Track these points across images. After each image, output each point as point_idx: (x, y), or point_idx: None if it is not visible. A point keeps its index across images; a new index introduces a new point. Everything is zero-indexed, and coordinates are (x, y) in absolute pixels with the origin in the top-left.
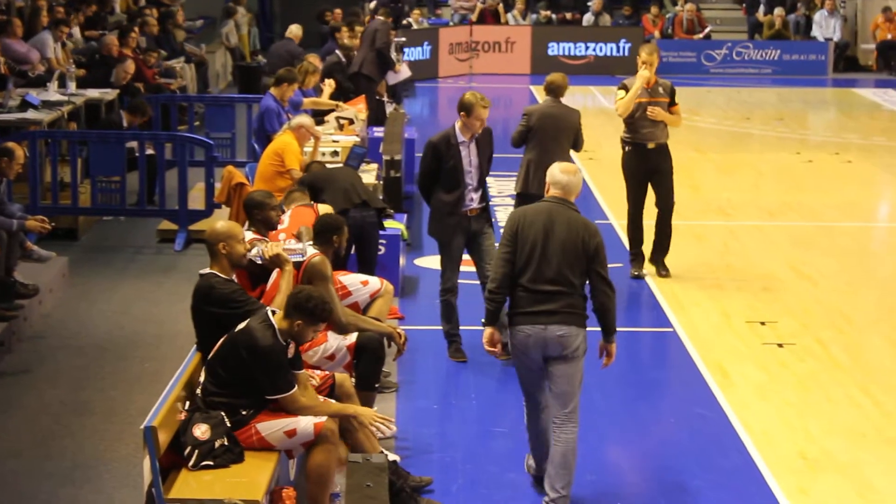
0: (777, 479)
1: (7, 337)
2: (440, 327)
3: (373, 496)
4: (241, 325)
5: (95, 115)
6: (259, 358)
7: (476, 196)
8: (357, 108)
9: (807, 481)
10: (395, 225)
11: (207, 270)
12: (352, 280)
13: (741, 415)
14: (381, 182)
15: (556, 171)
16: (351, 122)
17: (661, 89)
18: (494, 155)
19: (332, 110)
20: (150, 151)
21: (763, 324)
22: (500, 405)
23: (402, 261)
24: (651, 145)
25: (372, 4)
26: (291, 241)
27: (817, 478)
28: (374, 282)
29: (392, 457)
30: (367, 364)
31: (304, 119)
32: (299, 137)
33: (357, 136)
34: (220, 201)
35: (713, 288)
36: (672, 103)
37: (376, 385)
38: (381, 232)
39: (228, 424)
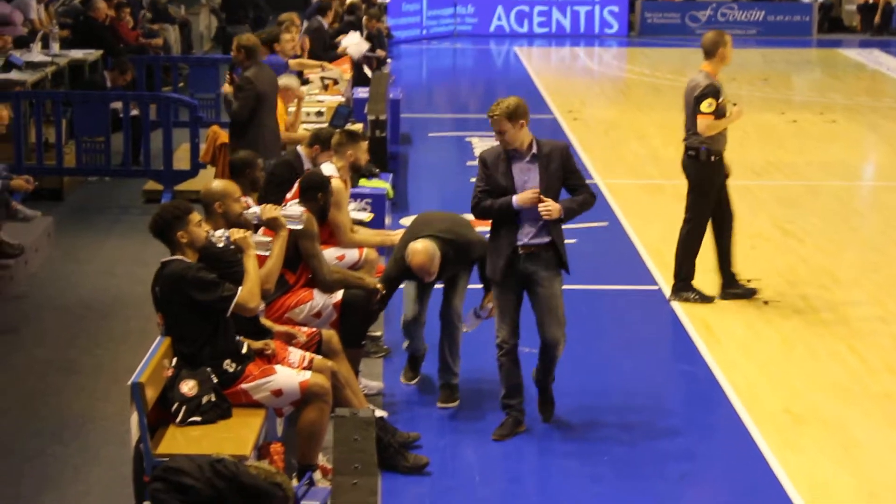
0: (763, 435)
1: None
2: None
3: (360, 450)
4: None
5: (79, 76)
6: (187, 284)
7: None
8: (342, 69)
9: (792, 436)
10: (380, 184)
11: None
12: (328, 255)
13: (727, 371)
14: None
15: None
16: (335, 82)
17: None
18: None
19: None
20: (134, 112)
21: (749, 281)
22: (489, 360)
23: (387, 220)
24: (725, 152)
25: None
26: (294, 205)
27: (802, 433)
28: (352, 254)
29: (379, 412)
30: (353, 321)
31: (290, 80)
32: (284, 98)
33: (342, 96)
34: (205, 161)
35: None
36: None
37: (362, 342)
38: (368, 190)
39: (215, 381)
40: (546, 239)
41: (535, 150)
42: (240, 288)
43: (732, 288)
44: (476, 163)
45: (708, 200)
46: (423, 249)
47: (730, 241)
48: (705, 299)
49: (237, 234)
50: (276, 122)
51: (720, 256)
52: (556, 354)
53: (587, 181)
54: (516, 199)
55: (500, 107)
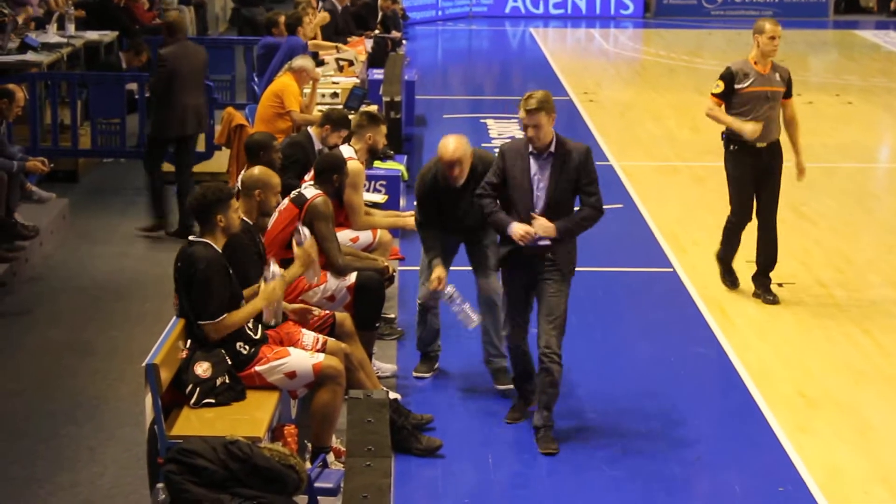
0: (776, 418)
1: (8, 278)
2: None
3: (374, 432)
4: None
5: (95, 58)
6: (195, 273)
7: None
8: (357, 50)
9: (806, 419)
10: (395, 166)
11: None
12: (342, 237)
13: (741, 354)
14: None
15: None
16: (351, 63)
17: (777, 76)
18: None
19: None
20: (149, 94)
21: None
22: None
23: (402, 201)
24: (762, 144)
25: None
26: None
27: (816, 416)
28: (366, 236)
29: (393, 395)
30: (367, 304)
31: (306, 61)
32: (299, 79)
33: (357, 77)
34: (220, 143)
35: (713, 228)
36: (787, 94)
37: (377, 325)
38: (383, 172)
39: (230, 363)
40: (547, 242)
41: (553, 148)
42: (225, 315)
43: (757, 288)
44: (492, 145)
45: (736, 191)
46: (455, 139)
47: (763, 241)
48: (732, 284)
49: (273, 285)
50: (199, 99)
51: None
52: (551, 370)
53: (602, 162)
54: (511, 229)
55: (537, 99)
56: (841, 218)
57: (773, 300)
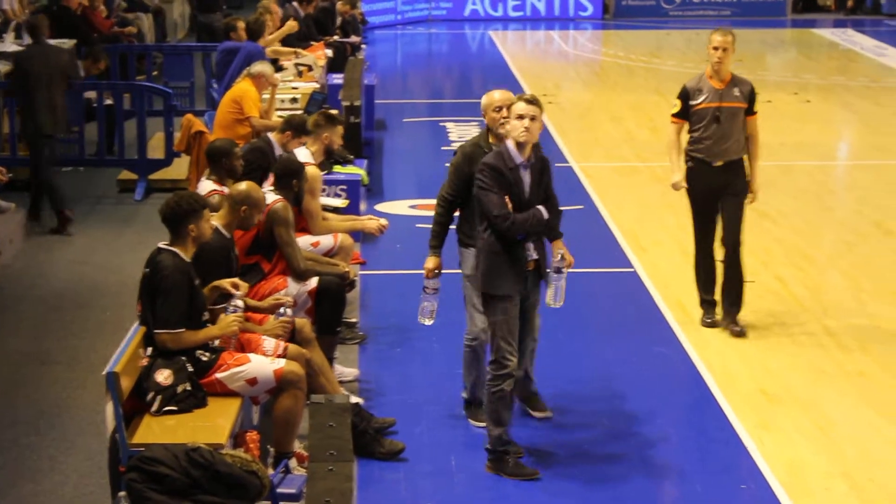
0: (738, 415)
1: None
2: (402, 271)
3: (336, 436)
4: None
5: None
6: (160, 281)
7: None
8: (316, 55)
9: (767, 416)
10: (355, 170)
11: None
12: (303, 242)
13: (702, 353)
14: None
15: None
16: (310, 68)
17: (736, 91)
18: None
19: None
20: (108, 101)
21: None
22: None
23: (362, 206)
24: (719, 163)
25: None
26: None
27: (777, 412)
28: (327, 241)
29: (355, 399)
30: (328, 308)
31: (265, 67)
32: (258, 85)
33: (316, 82)
34: (179, 150)
35: (673, 228)
36: (750, 111)
37: (338, 329)
38: (343, 177)
39: (190, 370)
40: (536, 256)
41: (533, 158)
42: (182, 330)
43: (724, 318)
44: (451, 148)
45: (695, 212)
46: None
47: (727, 278)
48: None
49: (232, 318)
50: (57, 100)
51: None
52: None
53: (561, 164)
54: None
55: (531, 94)
56: (801, 216)
57: (740, 332)
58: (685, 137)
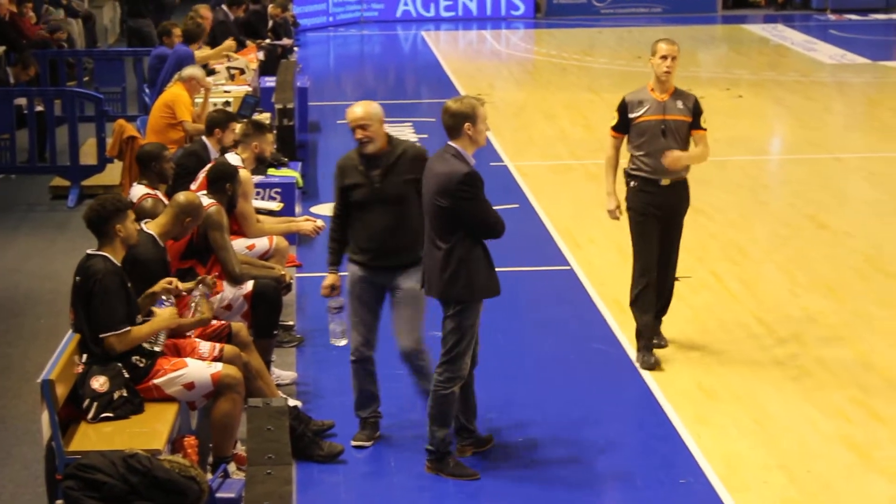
0: (676, 410)
1: None
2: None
3: (274, 440)
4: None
5: None
6: (94, 285)
7: None
8: (248, 59)
9: (704, 410)
10: (290, 173)
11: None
12: (238, 245)
13: None
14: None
15: None
16: (242, 71)
17: (679, 104)
18: None
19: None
20: (39, 108)
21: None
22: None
23: (298, 208)
24: (665, 182)
25: None
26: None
27: (714, 406)
28: (262, 244)
29: (293, 402)
30: (265, 312)
31: (196, 71)
32: (189, 89)
33: (248, 85)
34: (112, 155)
35: (607, 225)
36: (695, 125)
37: (275, 332)
38: (277, 180)
39: (127, 376)
40: None
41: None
42: (127, 328)
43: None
44: None
45: (636, 234)
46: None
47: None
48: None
49: (171, 310)
50: None
51: None
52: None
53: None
54: None
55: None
56: (735, 210)
57: (662, 345)
58: (625, 156)
